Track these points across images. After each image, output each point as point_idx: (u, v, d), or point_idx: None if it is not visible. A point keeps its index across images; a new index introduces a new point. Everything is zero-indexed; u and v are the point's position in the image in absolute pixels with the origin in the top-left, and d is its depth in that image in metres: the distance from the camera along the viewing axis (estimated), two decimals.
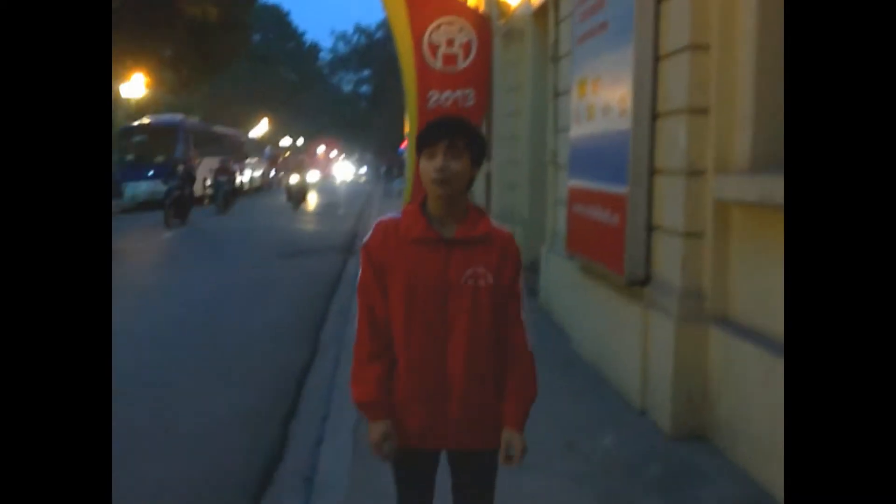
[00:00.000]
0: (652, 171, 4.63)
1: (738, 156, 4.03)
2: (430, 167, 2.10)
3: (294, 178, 24.49)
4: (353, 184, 53.56)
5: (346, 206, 26.92)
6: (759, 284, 3.89)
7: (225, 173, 23.29)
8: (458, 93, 11.57)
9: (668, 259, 4.48)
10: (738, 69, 4.04)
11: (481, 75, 11.77)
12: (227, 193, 22.93)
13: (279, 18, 66.19)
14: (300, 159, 30.33)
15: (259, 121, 51.40)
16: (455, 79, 11.55)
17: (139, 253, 13.70)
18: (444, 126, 2.12)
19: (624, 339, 4.99)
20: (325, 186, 44.14)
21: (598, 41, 5.20)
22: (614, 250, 4.87)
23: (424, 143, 2.12)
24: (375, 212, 21.17)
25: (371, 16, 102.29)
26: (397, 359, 2.20)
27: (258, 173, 39.16)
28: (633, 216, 4.66)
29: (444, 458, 2.37)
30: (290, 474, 4.26)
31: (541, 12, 9.03)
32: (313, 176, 39.47)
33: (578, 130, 5.78)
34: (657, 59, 4.54)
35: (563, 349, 6.15)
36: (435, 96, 11.44)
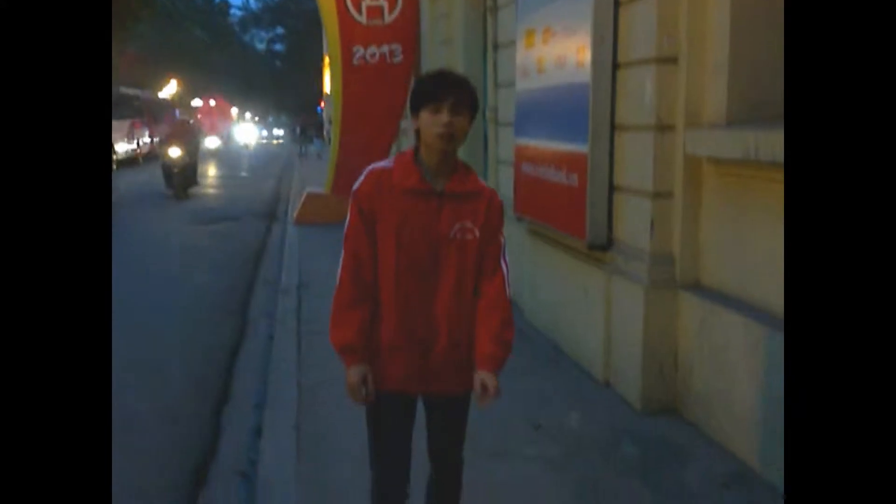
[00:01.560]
0: (613, 127, 4.29)
1: (711, 108, 3.73)
2: (436, 122, 2.13)
3: (175, 152, 15.89)
4: (266, 147, 51.72)
5: (257, 175, 25.78)
6: (736, 248, 3.62)
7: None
8: (385, 48, 11.06)
9: (634, 222, 4.18)
10: (710, 12, 3.70)
11: (409, 29, 11.27)
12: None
13: None
14: (184, 123, 19.42)
15: (168, 82, 49.08)
16: (381, 33, 11.01)
17: None
18: (451, 83, 2.17)
19: (583, 307, 4.69)
20: (229, 153, 38.02)
21: None
22: (573, 213, 4.53)
23: (430, 98, 2.15)
24: (297, 176, 20.38)
25: None
26: (383, 304, 2.24)
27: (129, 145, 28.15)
28: (594, 176, 4.32)
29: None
30: (226, 472, 3.81)
31: None
32: (212, 143, 36.39)
33: (526, 85, 5.39)
34: (618, 3, 4.17)
35: (515, 319, 5.82)
36: (360, 52, 10.87)
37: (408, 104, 2.35)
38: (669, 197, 3.94)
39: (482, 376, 2.23)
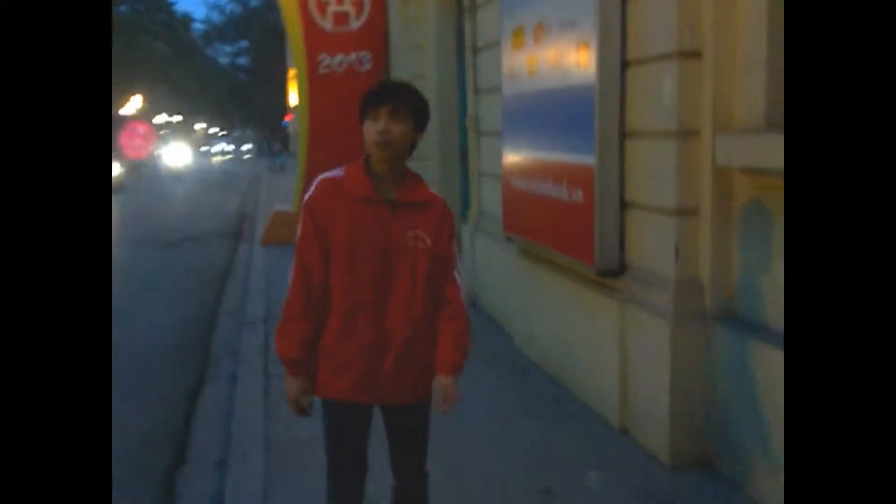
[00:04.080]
0: (624, 134, 3.72)
1: (745, 110, 3.16)
2: (373, 129, 2.17)
3: None
4: (233, 162, 50.55)
5: (223, 191, 24.87)
6: (778, 272, 3.05)
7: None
8: (353, 56, 10.42)
9: (652, 243, 3.60)
10: None
11: (377, 35, 10.65)
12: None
13: None
14: None
15: (129, 98, 48.00)
16: (348, 40, 10.38)
17: None
18: (388, 90, 2.22)
19: (591, 340, 4.10)
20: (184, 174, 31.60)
21: None
22: (576, 233, 3.95)
23: (368, 105, 2.19)
24: (264, 192, 19.63)
25: None
26: (335, 313, 2.24)
27: None
28: (602, 191, 3.74)
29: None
30: None
31: None
32: (178, 160, 29.93)
33: (515, 89, 4.80)
34: None
35: (505, 349, 5.22)
36: (326, 60, 10.23)
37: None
38: (695, 214, 3.37)
39: (443, 381, 2.27)
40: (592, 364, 4.11)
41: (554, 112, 4.17)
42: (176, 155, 28.66)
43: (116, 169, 18.72)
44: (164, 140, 45.27)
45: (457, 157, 8.74)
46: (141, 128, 35.70)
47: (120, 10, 45.98)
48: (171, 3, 66.80)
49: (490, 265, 6.13)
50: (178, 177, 26.30)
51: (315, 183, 2.26)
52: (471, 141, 6.68)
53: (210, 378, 5.31)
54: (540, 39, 4.29)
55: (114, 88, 45.22)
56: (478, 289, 6.44)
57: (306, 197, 2.26)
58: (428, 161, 9.26)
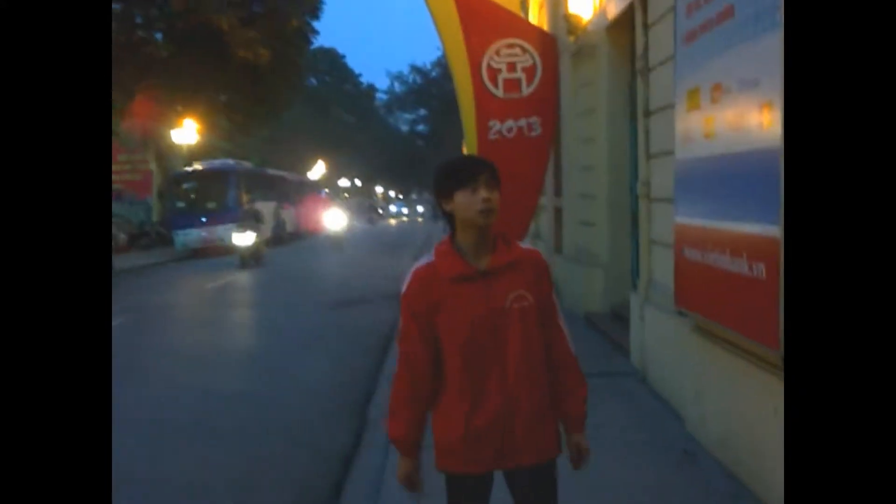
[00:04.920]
0: None
1: None
2: (474, 200, 2.18)
3: (245, 238, 14.04)
4: (409, 223, 52.30)
5: (396, 251, 25.55)
6: None
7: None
8: (523, 121, 10.38)
9: None
10: None
11: (548, 101, 10.57)
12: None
13: (335, 61, 66.66)
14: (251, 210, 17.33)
15: (315, 163, 51.24)
16: (518, 106, 10.36)
17: (182, 307, 12.79)
18: (477, 161, 2.28)
19: (774, 433, 3.62)
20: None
21: (720, 34, 3.93)
22: (758, 312, 3.54)
23: (465, 178, 2.20)
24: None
25: (427, 55, 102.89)
26: (455, 393, 2.25)
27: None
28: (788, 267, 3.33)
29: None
30: None
31: (618, 23, 7.82)
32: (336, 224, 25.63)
33: (688, 153, 4.49)
34: None
35: (675, 433, 4.78)
36: (496, 126, 10.25)
37: (435, 193, 2.32)
38: None
39: (574, 438, 2.31)
40: (775, 462, 3.62)
41: (732, 177, 3.82)
42: (332, 219, 26.90)
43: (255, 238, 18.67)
44: (345, 203, 47.65)
45: (627, 223, 8.40)
46: (320, 200, 36.68)
47: (310, 81, 49.56)
48: (357, 76, 71.49)
49: (661, 340, 5.72)
50: (337, 244, 24.60)
51: (409, 274, 2.29)
52: (641, 207, 6.35)
53: (365, 443, 5.25)
54: (717, 100, 3.98)
55: (301, 154, 48.51)
56: (647, 364, 6.03)
57: (403, 288, 2.28)
58: (595, 226, 8.98)
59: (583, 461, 2.33)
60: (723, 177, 3.97)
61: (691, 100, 4.40)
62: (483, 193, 2.17)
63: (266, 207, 27.05)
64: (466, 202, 2.18)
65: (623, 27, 7.84)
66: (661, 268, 5.89)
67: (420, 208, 73.54)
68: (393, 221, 56.72)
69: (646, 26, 6.09)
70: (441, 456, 2.31)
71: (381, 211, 62.74)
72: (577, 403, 2.32)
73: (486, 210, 2.17)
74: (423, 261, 2.30)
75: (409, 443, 2.30)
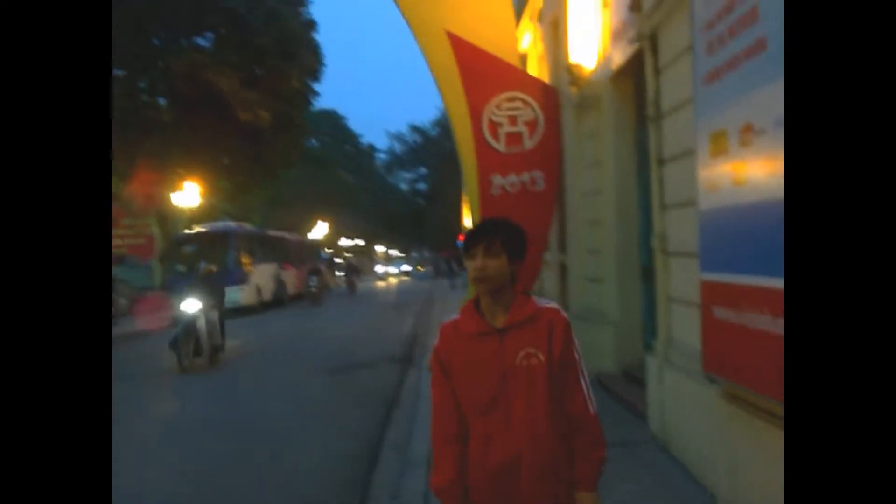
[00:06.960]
0: None
1: None
2: (470, 267, 2.35)
3: (190, 306, 11.88)
4: (411, 282, 51.88)
5: (399, 311, 25.07)
6: None
7: (315, 273, 27.24)
8: (526, 176, 10.03)
9: None
10: None
11: (551, 154, 10.23)
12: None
13: (336, 123, 67.16)
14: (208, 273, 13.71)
15: (316, 223, 51.12)
16: (521, 160, 10.02)
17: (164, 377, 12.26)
18: (482, 229, 2.39)
19: None
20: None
21: (750, 70, 3.57)
22: None
23: (467, 248, 2.37)
24: (436, 314, 19.48)
25: (426, 114, 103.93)
26: (472, 442, 2.34)
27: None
28: None
29: None
30: None
31: (624, 72, 7.54)
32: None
33: (716, 202, 4.09)
34: None
35: None
36: (498, 181, 9.89)
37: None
38: None
39: (580, 497, 2.31)
40: None
41: (769, 228, 3.42)
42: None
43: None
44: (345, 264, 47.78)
45: (637, 278, 7.99)
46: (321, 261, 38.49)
47: (310, 142, 49.75)
48: (357, 136, 72.04)
49: (685, 406, 5.24)
50: (316, 302, 27.42)
51: (440, 329, 2.45)
52: (657, 262, 5.94)
53: None
54: (749, 143, 3.60)
55: (302, 214, 48.42)
56: (668, 431, 5.53)
57: (434, 344, 2.45)
58: (604, 283, 8.57)
59: None
60: (757, 227, 3.56)
61: (716, 144, 4.03)
62: (478, 262, 2.31)
63: (267, 269, 26.69)
64: (469, 269, 2.36)
65: (629, 75, 7.57)
66: (681, 327, 5.45)
67: (420, 267, 73.35)
68: (394, 280, 56.26)
69: (657, 71, 5.77)
70: (471, 491, 2.37)
71: (377, 269, 62.68)
72: (588, 464, 2.33)
73: (478, 278, 2.32)
74: (451, 318, 2.46)
75: (450, 490, 2.35)
